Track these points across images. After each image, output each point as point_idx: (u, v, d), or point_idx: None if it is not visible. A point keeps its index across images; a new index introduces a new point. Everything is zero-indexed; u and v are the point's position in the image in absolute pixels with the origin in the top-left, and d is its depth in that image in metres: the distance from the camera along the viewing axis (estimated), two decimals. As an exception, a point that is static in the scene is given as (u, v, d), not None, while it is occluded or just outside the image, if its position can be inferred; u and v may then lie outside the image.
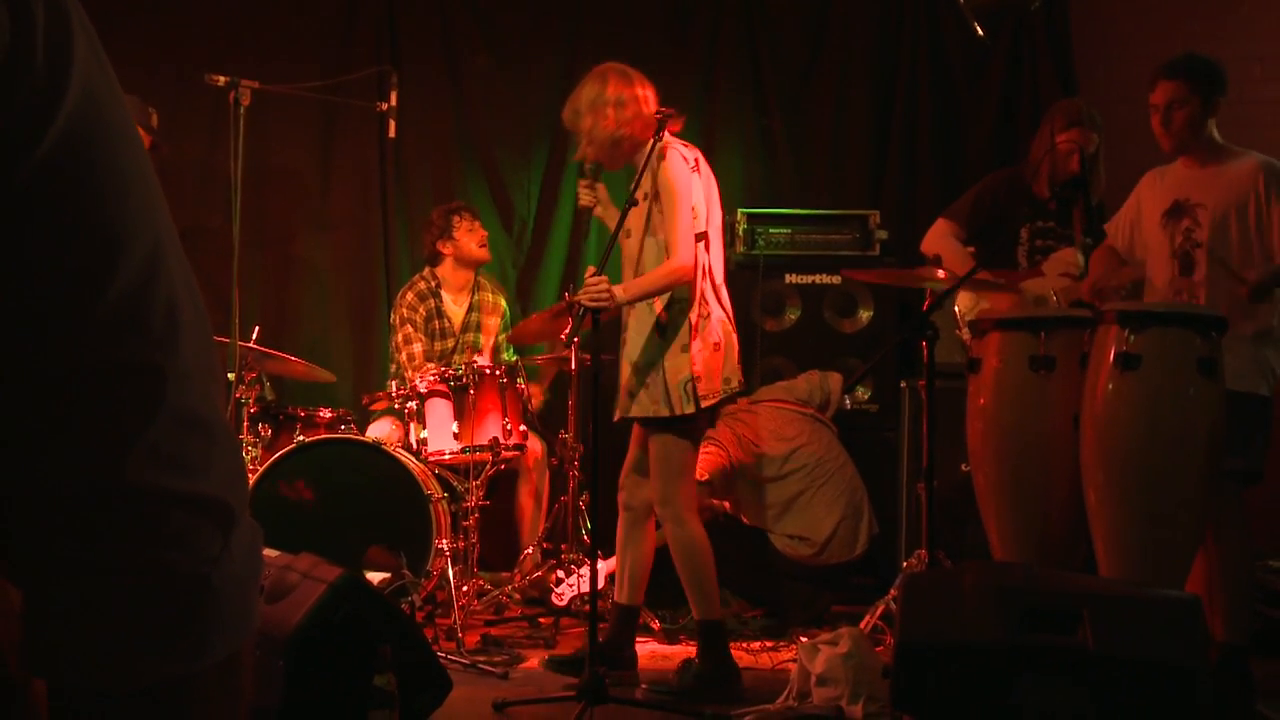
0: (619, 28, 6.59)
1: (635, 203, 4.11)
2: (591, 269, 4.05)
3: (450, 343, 6.03)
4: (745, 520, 5.44)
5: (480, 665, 4.44)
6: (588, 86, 4.28)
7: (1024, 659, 2.90)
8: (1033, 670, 2.90)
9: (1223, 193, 4.21)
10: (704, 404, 4.16)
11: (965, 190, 5.25)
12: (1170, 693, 2.83)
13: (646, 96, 4.28)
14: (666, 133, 4.22)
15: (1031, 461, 4.17)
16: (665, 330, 4.15)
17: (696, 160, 4.24)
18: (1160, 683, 2.85)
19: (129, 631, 1.03)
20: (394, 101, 5.43)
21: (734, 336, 4.28)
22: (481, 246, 6.02)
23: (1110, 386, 3.85)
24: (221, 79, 4.96)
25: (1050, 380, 4.12)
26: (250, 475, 4.95)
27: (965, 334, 5.22)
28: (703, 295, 4.18)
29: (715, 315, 4.22)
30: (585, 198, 4.35)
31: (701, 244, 4.18)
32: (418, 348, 5.94)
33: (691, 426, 4.21)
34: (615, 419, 4.36)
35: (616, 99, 4.22)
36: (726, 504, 5.45)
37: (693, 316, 4.14)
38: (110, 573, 1.02)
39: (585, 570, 5.14)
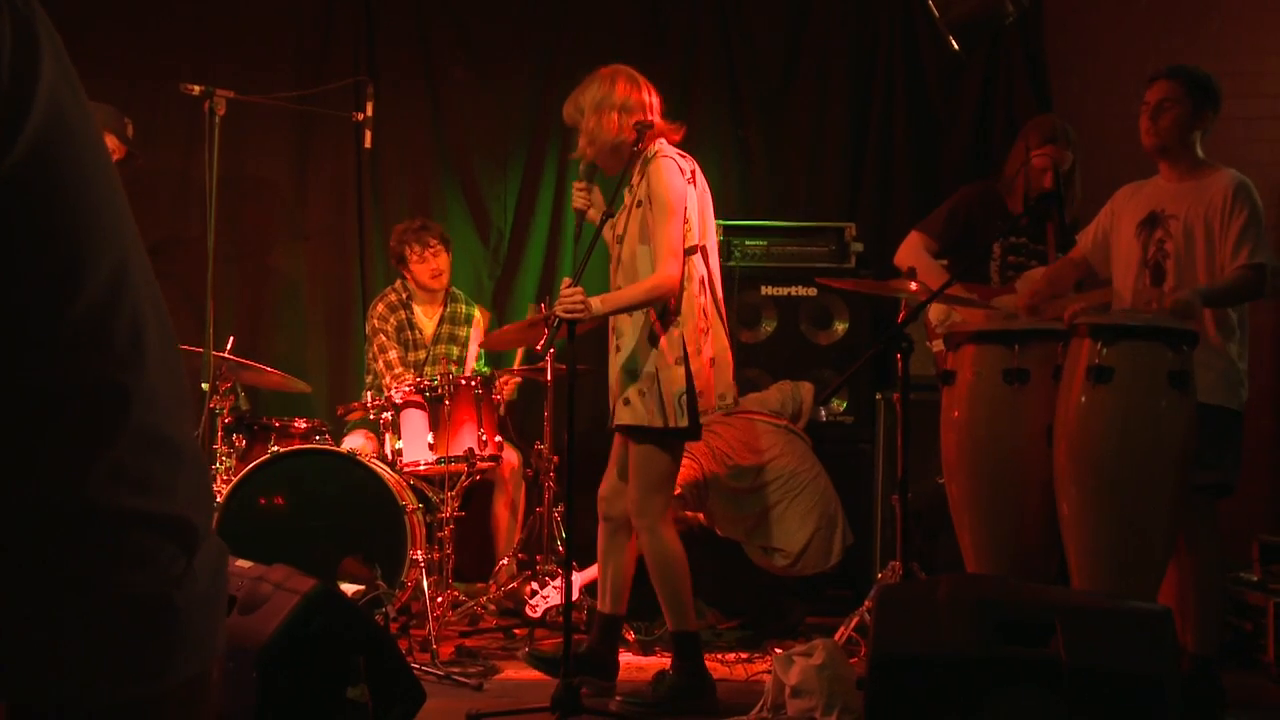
0: (596, 41, 6.60)
1: (611, 215, 4.11)
2: (567, 280, 4.04)
3: (422, 354, 6.01)
4: (719, 532, 5.44)
5: (454, 677, 4.43)
6: (594, 86, 4.22)
7: (997, 670, 2.91)
8: (1006, 682, 2.91)
9: (1195, 206, 4.25)
10: (702, 419, 4.18)
11: (940, 203, 5.28)
12: (1141, 704, 2.85)
13: (653, 104, 4.24)
14: (661, 141, 4.20)
15: (1005, 473, 4.19)
16: (659, 340, 4.13)
17: (693, 172, 4.20)
18: (1131, 694, 2.86)
19: (90, 651, 1.02)
20: (370, 112, 5.42)
21: (729, 352, 4.28)
22: (435, 276, 5.96)
23: (1083, 399, 3.87)
24: (197, 88, 4.95)
25: (1024, 393, 4.14)
26: (224, 486, 4.93)
27: (935, 345, 5.24)
28: (703, 309, 4.15)
29: (715, 329, 4.20)
30: (580, 200, 4.25)
31: (699, 257, 4.15)
32: (393, 355, 5.93)
33: (679, 440, 4.21)
34: (610, 426, 4.31)
35: (623, 103, 4.18)
36: (700, 516, 5.45)
37: (689, 330, 4.11)
38: (71, 592, 1.01)
39: (559, 582, 5.14)
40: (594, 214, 4.28)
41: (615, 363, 4.23)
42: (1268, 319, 6.23)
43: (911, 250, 5.04)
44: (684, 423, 4.09)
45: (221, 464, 5.09)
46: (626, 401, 4.16)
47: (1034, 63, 6.60)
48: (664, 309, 4.11)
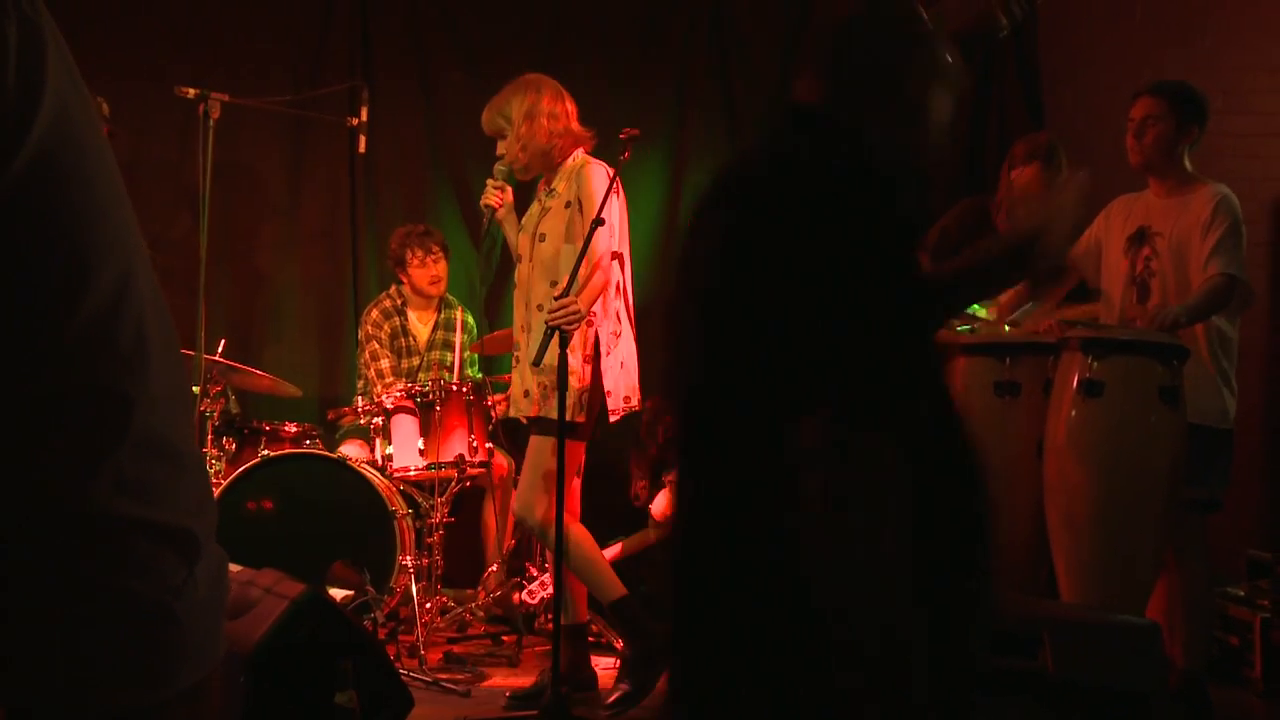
0: (592, 48, 6.61)
1: (601, 222, 4.13)
2: (558, 290, 4.08)
3: (416, 360, 6.00)
4: None
5: (442, 683, 4.42)
6: (520, 95, 4.39)
7: (985, 682, 2.91)
8: (994, 694, 2.91)
9: (1180, 223, 4.25)
10: (611, 419, 4.30)
11: (934, 218, 5.29)
12: (1128, 718, 2.85)
13: (573, 113, 4.43)
14: (581, 150, 4.38)
15: (994, 486, 4.18)
16: (566, 339, 4.19)
17: (617, 183, 4.33)
18: (1118, 708, 2.87)
19: (91, 659, 1.02)
20: (365, 116, 5.42)
21: (636, 357, 4.40)
22: (434, 283, 5.96)
23: (1073, 413, 3.88)
24: (191, 91, 4.94)
25: (1014, 406, 4.15)
26: (214, 489, 4.92)
27: None
28: (617, 314, 4.30)
29: (625, 333, 4.34)
30: (494, 198, 4.48)
31: (616, 263, 4.30)
32: (385, 364, 5.92)
33: (584, 436, 4.28)
34: (512, 415, 4.46)
35: (550, 111, 4.36)
36: None
37: (604, 333, 4.26)
38: (72, 599, 1.01)
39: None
40: (503, 214, 4.50)
41: (520, 358, 4.36)
42: (1258, 335, 6.24)
43: None
44: (580, 419, 4.20)
45: (211, 467, 5.08)
46: (526, 393, 4.29)
47: (1027, 76, 6.62)
48: None
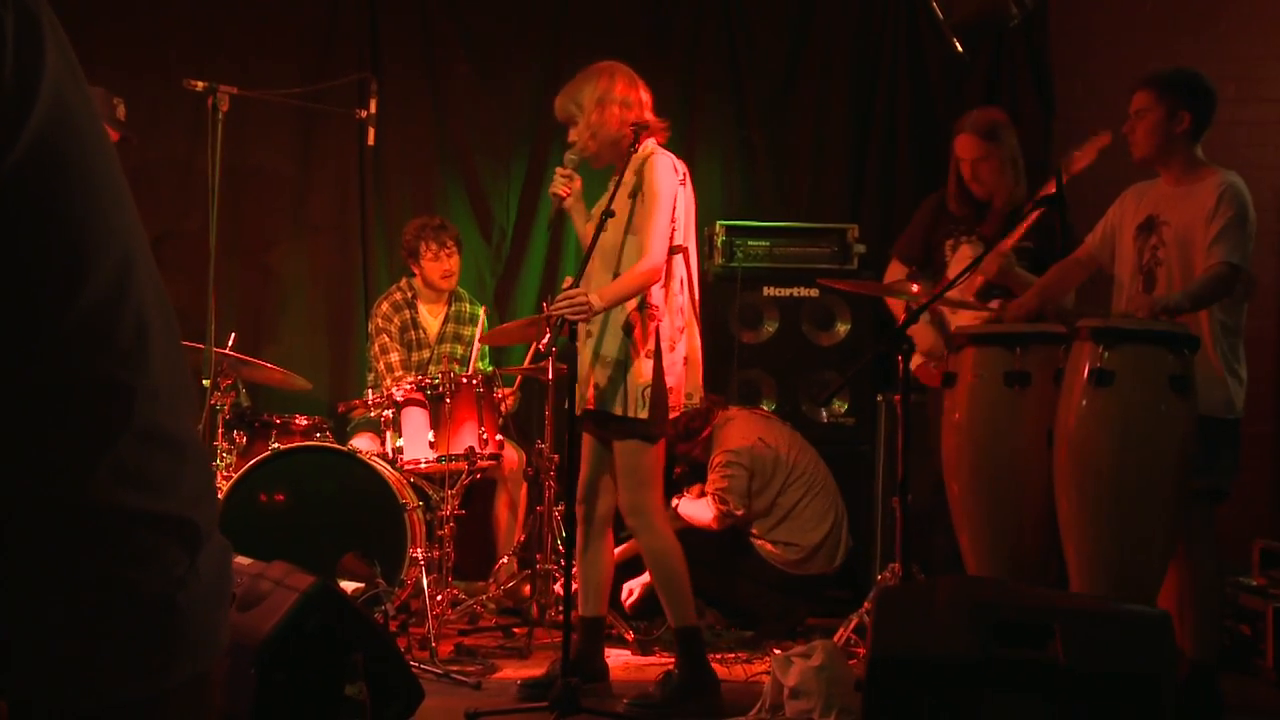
0: (600, 40, 6.59)
1: (612, 214, 4.12)
2: (569, 279, 4.07)
3: (426, 353, 6.01)
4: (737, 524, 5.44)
5: (453, 675, 4.43)
6: (595, 81, 4.27)
7: (996, 673, 2.91)
8: (1004, 685, 2.91)
9: (1186, 212, 4.22)
10: (671, 414, 4.21)
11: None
12: (1138, 708, 2.85)
13: (648, 102, 4.31)
14: (653, 140, 4.26)
15: (1005, 476, 4.19)
16: (631, 332, 4.17)
17: (685, 175, 4.26)
18: (1128, 698, 2.86)
19: (91, 651, 1.02)
20: (374, 109, 5.42)
21: (700, 353, 4.33)
22: (445, 277, 5.96)
23: (1084, 402, 3.87)
24: (200, 84, 4.95)
25: (1025, 396, 4.14)
26: (225, 482, 4.93)
27: (914, 361, 5.17)
28: (680, 309, 4.21)
29: (690, 329, 4.26)
30: (562, 186, 4.30)
31: (680, 257, 4.21)
32: (395, 357, 5.92)
33: (659, 433, 4.21)
34: (579, 412, 4.31)
35: (623, 99, 4.24)
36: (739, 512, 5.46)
37: (666, 328, 4.16)
38: (73, 591, 1.00)
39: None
40: (571, 203, 4.33)
41: (586, 348, 4.26)
42: (1268, 325, 6.23)
43: (891, 276, 5.13)
44: (643, 414, 4.12)
45: (222, 460, 5.09)
46: (598, 387, 4.20)
47: (1038, 65, 6.60)
48: (642, 301, 4.15)
